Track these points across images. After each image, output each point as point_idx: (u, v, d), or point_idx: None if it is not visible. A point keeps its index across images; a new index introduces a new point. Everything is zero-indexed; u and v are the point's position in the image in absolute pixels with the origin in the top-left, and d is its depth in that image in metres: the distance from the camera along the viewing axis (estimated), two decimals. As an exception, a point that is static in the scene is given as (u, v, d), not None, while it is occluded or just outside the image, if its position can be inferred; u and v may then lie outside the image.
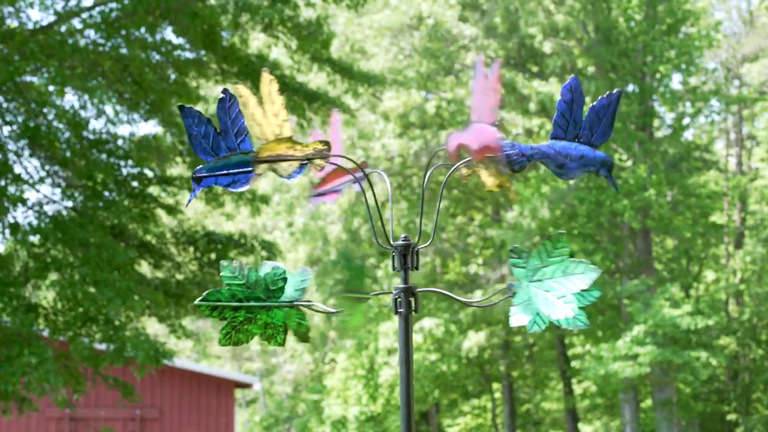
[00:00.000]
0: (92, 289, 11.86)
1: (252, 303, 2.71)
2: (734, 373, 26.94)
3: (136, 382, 18.54)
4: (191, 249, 13.96)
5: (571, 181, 23.75)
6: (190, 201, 2.75)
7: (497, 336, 27.48)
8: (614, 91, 2.68)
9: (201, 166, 2.71)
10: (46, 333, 12.91)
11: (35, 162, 13.37)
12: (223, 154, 2.70)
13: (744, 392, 26.43)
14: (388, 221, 2.76)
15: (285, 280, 2.73)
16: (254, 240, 14.13)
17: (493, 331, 27.17)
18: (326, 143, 2.72)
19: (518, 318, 2.56)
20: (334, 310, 2.74)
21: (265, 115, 2.67)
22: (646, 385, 25.24)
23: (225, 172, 2.70)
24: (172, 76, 13.63)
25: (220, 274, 2.72)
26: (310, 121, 14.29)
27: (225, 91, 2.68)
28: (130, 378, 18.05)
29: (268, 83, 2.64)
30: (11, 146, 12.91)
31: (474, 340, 26.27)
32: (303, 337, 2.77)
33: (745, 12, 29.71)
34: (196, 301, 2.70)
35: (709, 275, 27.85)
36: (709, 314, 22.28)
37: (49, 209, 13.09)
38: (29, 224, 12.53)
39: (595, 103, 2.69)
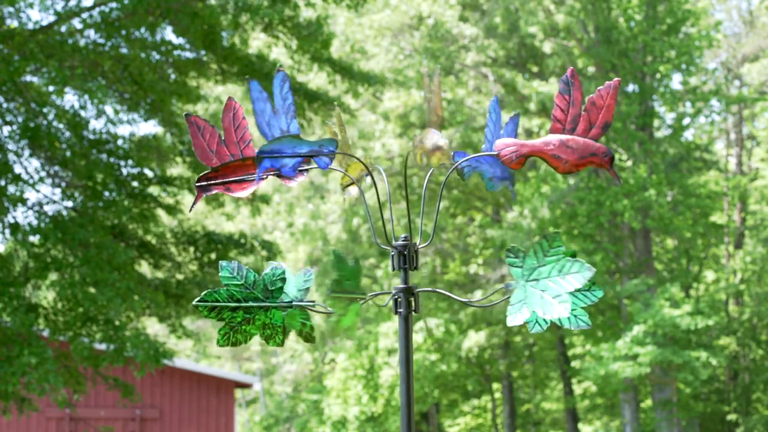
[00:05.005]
0: (92, 289, 11.86)
1: (250, 303, 2.71)
2: (734, 373, 26.94)
3: (136, 382, 18.54)
4: (191, 249, 13.96)
5: (571, 181, 23.74)
6: (259, 179, 2.76)
7: (497, 336, 27.48)
8: (492, 100, 2.75)
9: (267, 145, 2.72)
10: (46, 333, 12.91)
11: (35, 162, 13.37)
12: (278, 135, 2.73)
13: (744, 392, 26.42)
14: (388, 221, 2.77)
15: (283, 280, 2.73)
16: (254, 240, 14.14)
17: (493, 331, 27.17)
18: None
19: (515, 318, 2.56)
20: (331, 311, 2.75)
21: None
22: (646, 385, 25.23)
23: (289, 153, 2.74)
24: (172, 76, 13.63)
25: (220, 274, 2.73)
26: (310, 122, 14.29)
27: (280, 68, 2.71)
28: (130, 378, 18.06)
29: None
30: (11, 146, 12.91)
31: (474, 340, 26.28)
32: (307, 337, 2.78)
33: (745, 12, 29.72)
34: (194, 302, 2.71)
35: (709, 275, 27.84)
36: (709, 314, 22.27)
37: (49, 209, 13.10)
38: (29, 224, 12.52)
39: (492, 114, 2.77)
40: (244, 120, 2.72)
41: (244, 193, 2.75)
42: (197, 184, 2.74)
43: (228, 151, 2.73)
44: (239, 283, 2.71)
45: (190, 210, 2.84)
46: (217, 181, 2.74)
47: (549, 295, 2.50)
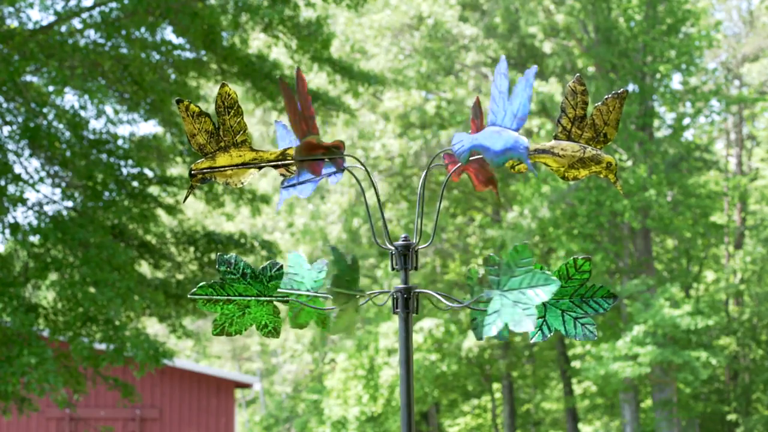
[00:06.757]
0: (92, 289, 11.85)
1: (246, 296, 2.70)
2: (734, 373, 26.94)
3: (136, 382, 18.54)
4: (191, 249, 13.96)
5: (571, 181, 23.73)
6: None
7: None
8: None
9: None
10: (46, 333, 12.91)
11: (35, 162, 13.37)
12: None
13: (744, 392, 26.42)
14: (388, 221, 2.76)
15: (281, 273, 2.72)
16: (254, 240, 14.14)
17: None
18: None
19: (489, 329, 2.51)
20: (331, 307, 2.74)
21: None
22: (646, 385, 25.23)
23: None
24: (172, 76, 13.63)
25: (217, 266, 2.70)
26: (310, 121, 14.27)
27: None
28: (130, 378, 18.06)
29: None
30: (11, 146, 12.91)
31: (474, 340, 26.27)
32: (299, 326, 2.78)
33: (745, 12, 29.72)
34: (190, 293, 2.69)
35: (709, 275, 27.84)
36: (709, 314, 22.27)
37: (49, 209, 13.10)
38: (29, 224, 12.52)
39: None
40: (308, 94, 2.54)
41: (317, 173, 2.59)
42: (297, 157, 2.55)
43: (304, 126, 2.55)
44: (235, 275, 2.69)
45: (300, 184, 2.66)
46: (309, 157, 2.56)
47: (520, 307, 2.45)
